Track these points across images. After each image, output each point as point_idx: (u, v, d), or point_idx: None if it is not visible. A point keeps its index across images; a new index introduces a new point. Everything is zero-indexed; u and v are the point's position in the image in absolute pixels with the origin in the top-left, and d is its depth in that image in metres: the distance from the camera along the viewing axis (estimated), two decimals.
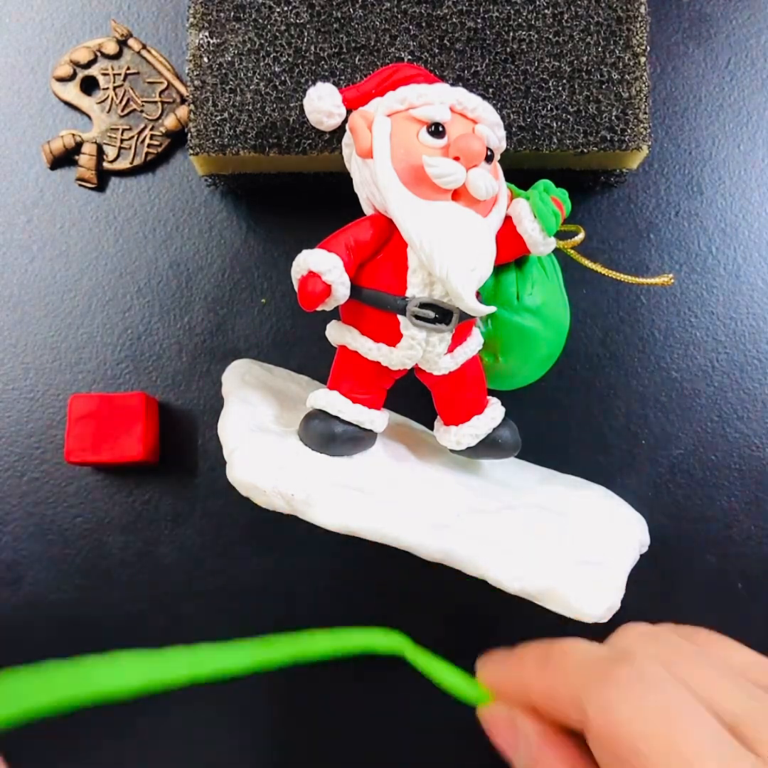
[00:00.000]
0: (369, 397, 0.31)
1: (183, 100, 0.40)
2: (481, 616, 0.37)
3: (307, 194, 0.40)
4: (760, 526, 0.39)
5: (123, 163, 0.40)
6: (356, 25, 0.35)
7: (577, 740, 0.25)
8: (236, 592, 0.38)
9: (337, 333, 0.31)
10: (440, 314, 0.30)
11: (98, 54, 0.40)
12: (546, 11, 0.35)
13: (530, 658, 0.26)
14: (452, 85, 0.32)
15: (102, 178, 0.40)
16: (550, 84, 0.35)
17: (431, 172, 0.28)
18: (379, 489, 0.31)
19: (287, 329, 0.40)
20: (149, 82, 0.40)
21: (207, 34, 0.35)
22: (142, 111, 0.40)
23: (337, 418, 0.31)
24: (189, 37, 0.35)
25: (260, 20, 0.35)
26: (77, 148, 0.40)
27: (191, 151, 0.35)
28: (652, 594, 0.39)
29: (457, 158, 0.29)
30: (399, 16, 0.35)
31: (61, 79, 0.40)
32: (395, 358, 0.30)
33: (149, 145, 0.40)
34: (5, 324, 0.40)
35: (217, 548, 0.39)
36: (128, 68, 0.40)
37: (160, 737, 0.38)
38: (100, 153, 0.40)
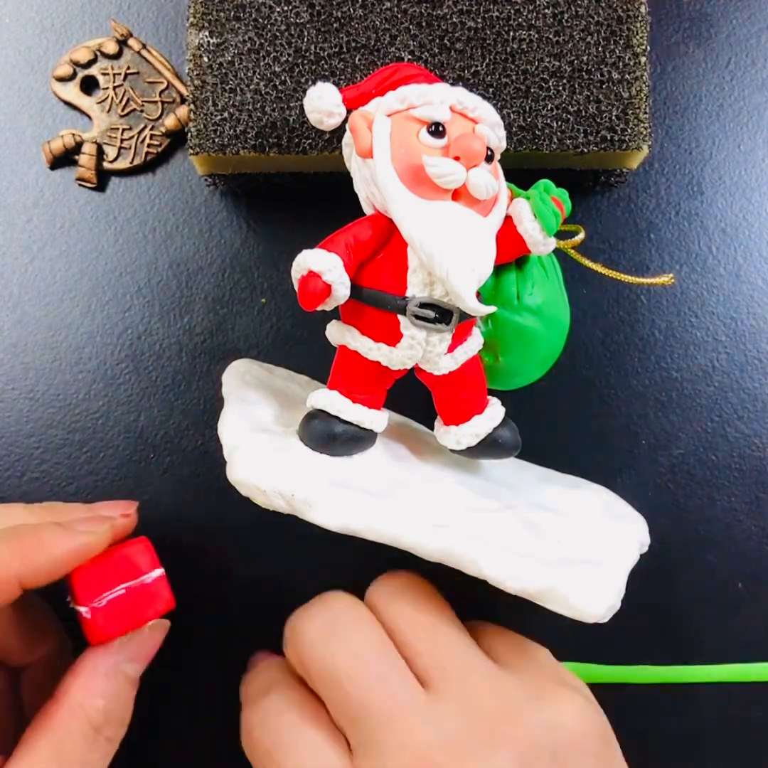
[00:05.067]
0: (369, 396, 0.31)
1: (183, 100, 0.40)
2: (481, 617, 0.37)
3: (307, 194, 0.40)
4: (760, 526, 0.39)
5: (123, 163, 0.40)
6: (356, 25, 0.35)
7: None
8: (236, 593, 0.38)
9: (337, 333, 0.31)
10: (440, 314, 0.30)
11: (98, 54, 0.40)
12: (546, 11, 0.35)
13: None
14: (452, 84, 0.32)
15: (102, 178, 0.40)
16: (551, 84, 0.35)
17: (431, 171, 0.28)
18: (379, 489, 0.31)
19: (287, 329, 0.40)
20: (149, 82, 0.40)
21: (207, 33, 0.35)
22: (142, 111, 0.40)
23: (337, 418, 0.31)
24: (189, 36, 0.35)
25: (260, 20, 0.35)
26: (77, 147, 0.40)
27: (191, 151, 0.35)
28: (652, 594, 0.39)
29: (457, 158, 0.29)
30: (399, 15, 0.35)
31: (61, 79, 0.40)
32: (395, 357, 0.30)
33: (149, 145, 0.40)
34: (5, 324, 0.40)
35: (217, 549, 0.39)
36: (128, 68, 0.40)
37: None
38: (100, 153, 0.40)
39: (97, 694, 0.27)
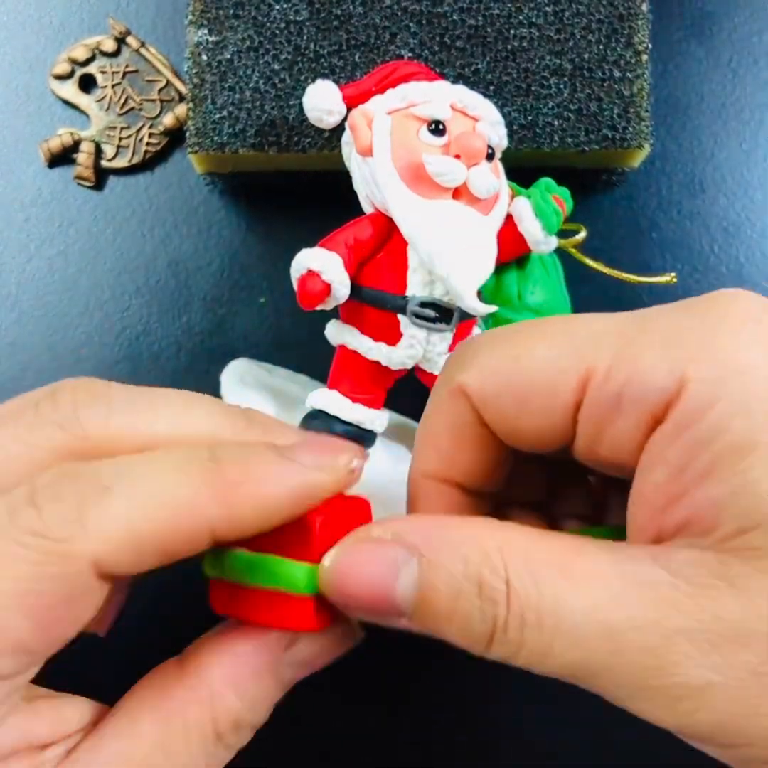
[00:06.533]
0: (369, 397, 0.31)
1: (182, 98, 0.40)
2: None
3: (306, 193, 0.40)
4: None
5: (121, 162, 0.40)
6: (356, 23, 0.35)
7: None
8: None
9: (337, 332, 0.31)
10: (441, 313, 0.29)
11: (96, 52, 0.40)
12: (547, 9, 0.35)
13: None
14: (453, 82, 0.32)
15: (100, 177, 0.40)
16: (551, 82, 0.35)
17: (431, 170, 0.28)
18: (379, 490, 0.30)
19: (287, 329, 0.40)
20: (148, 81, 0.40)
21: (206, 31, 0.35)
22: (140, 109, 0.40)
23: (336, 418, 0.31)
24: (188, 34, 0.35)
25: (259, 17, 0.35)
26: (75, 146, 0.40)
27: (190, 150, 0.35)
28: None
29: (457, 156, 0.28)
30: (399, 13, 0.35)
31: (59, 77, 0.40)
32: (395, 357, 0.30)
33: (148, 144, 0.40)
34: (3, 323, 0.40)
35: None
36: (127, 66, 0.40)
37: None
38: (99, 151, 0.40)
39: (238, 693, 0.20)
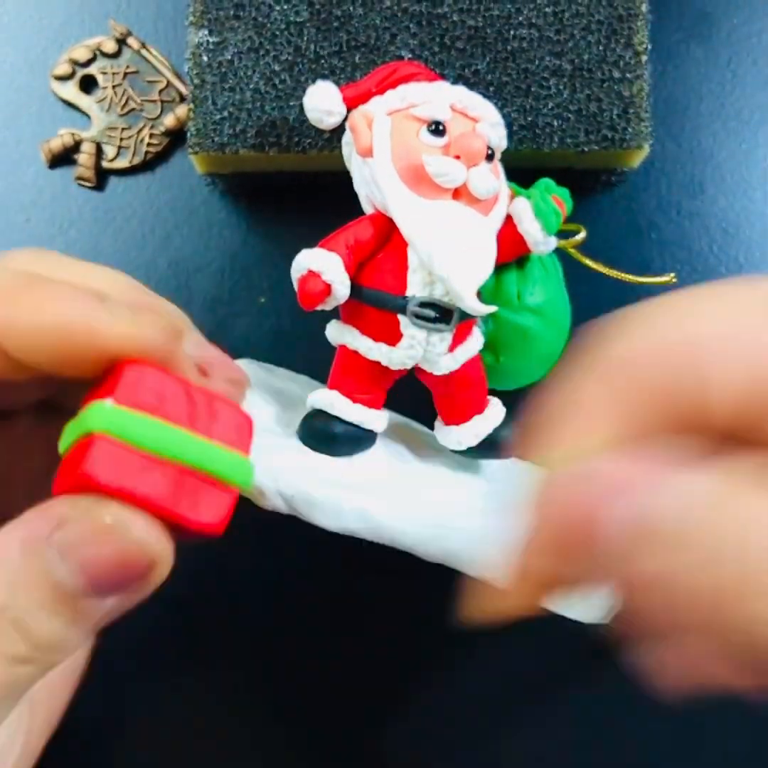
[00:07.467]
0: (369, 397, 0.31)
1: (182, 99, 0.40)
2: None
3: (306, 193, 0.40)
4: None
5: (122, 162, 0.40)
6: (356, 24, 0.35)
7: None
8: (235, 592, 0.38)
9: (337, 332, 0.31)
10: (441, 314, 0.29)
11: (97, 53, 0.40)
12: (547, 9, 0.35)
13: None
14: (453, 83, 0.32)
15: (101, 178, 0.40)
16: (551, 82, 0.35)
17: (431, 171, 0.28)
18: (379, 490, 0.30)
19: (287, 329, 0.40)
20: (148, 81, 0.40)
21: (206, 32, 0.35)
22: (141, 110, 0.40)
23: (337, 418, 0.31)
24: (188, 35, 0.35)
25: (260, 18, 0.35)
26: (76, 147, 0.40)
27: (191, 150, 0.35)
28: None
29: (457, 157, 0.29)
30: (399, 14, 0.35)
31: (60, 78, 0.40)
32: (395, 357, 0.30)
33: (149, 144, 0.40)
34: None
35: (217, 548, 0.39)
36: (127, 67, 0.40)
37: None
38: (100, 152, 0.40)
39: None
